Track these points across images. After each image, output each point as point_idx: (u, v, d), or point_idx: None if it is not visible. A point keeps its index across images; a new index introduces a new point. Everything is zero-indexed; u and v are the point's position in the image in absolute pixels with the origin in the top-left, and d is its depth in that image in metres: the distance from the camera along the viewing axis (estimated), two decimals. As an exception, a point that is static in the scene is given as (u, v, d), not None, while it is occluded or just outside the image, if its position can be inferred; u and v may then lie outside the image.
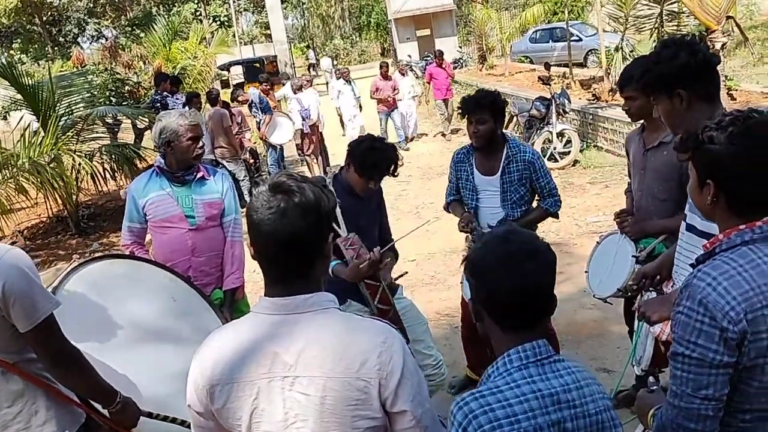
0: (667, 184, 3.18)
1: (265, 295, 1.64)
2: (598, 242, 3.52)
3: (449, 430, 1.57)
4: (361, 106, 13.89)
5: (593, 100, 11.90)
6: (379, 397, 1.56)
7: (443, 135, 14.16)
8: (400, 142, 13.50)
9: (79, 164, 9.24)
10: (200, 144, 3.49)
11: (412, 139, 14.36)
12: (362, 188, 3.41)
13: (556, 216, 4.00)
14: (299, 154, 12.49)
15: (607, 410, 1.57)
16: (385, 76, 13.52)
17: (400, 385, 1.56)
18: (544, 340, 1.60)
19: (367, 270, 3.14)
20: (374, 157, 3.32)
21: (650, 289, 2.76)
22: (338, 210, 3.24)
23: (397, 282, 3.53)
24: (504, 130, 3.89)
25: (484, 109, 3.72)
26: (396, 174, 3.42)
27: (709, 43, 9.06)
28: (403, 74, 14.41)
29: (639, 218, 3.39)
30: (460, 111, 3.93)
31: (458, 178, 4.01)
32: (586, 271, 3.57)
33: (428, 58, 26.78)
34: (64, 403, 2.28)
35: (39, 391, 2.21)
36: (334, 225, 3.21)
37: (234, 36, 37.16)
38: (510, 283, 1.54)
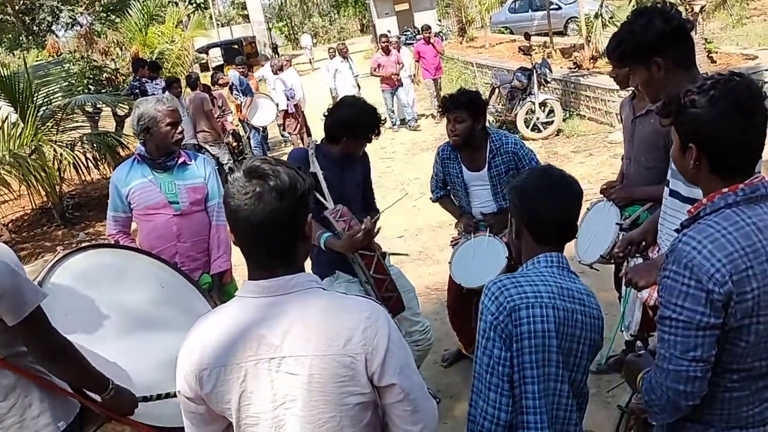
0: (654, 152, 3.18)
1: (248, 279, 1.64)
2: (588, 209, 3.55)
3: (483, 300, 1.85)
4: (359, 86, 13.10)
5: (574, 68, 11.88)
6: (366, 372, 1.58)
7: (433, 117, 13.21)
8: (408, 121, 12.90)
9: (61, 154, 9.14)
10: (179, 129, 3.46)
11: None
12: (357, 150, 3.40)
13: None
14: (282, 135, 12.43)
15: (602, 319, 1.92)
16: (387, 51, 12.57)
17: (386, 359, 1.58)
18: (564, 255, 1.95)
19: (362, 240, 3.11)
20: (360, 117, 3.29)
21: (636, 255, 2.78)
22: (323, 181, 3.22)
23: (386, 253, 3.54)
24: (486, 125, 3.87)
25: (461, 108, 3.70)
26: (379, 132, 3.39)
27: (688, 6, 9.05)
28: (397, 50, 13.17)
29: (626, 185, 3.40)
30: (440, 109, 3.91)
31: (446, 174, 4.02)
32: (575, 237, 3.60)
33: (408, 33, 26.60)
34: (58, 394, 2.27)
35: (31, 384, 2.20)
36: (319, 197, 3.20)
37: (211, 18, 36.70)
38: (551, 207, 1.91)
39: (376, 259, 3.22)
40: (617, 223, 3.25)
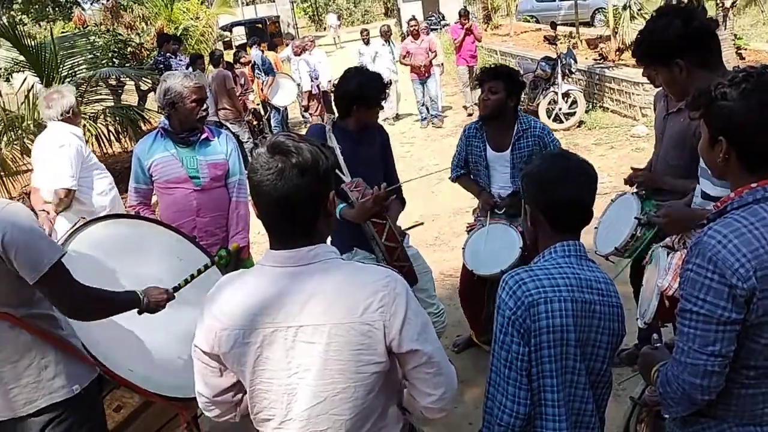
0: (681, 151, 3.14)
1: (270, 249, 1.67)
2: (612, 200, 3.54)
3: (500, 294, 1.83)
4: (396, 71, 12.08)
5: (600, 59, 11.75)
6: (384, 340, 1.60)
7: (465, 108, 12.26)
8: (435, 116, 11.83)
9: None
10: (204, 106, 3.48)
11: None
12: (370, 118, 3.43)
13: None
14: (303, 116, 12.42)
15: (622, 308, 1.88)
16: (416, 35, 11.48)
17: (404, 326, 1.60)
18: (582, 243, 1.92)
19: (371, 206, 3.12)
20: (366, 84, 3.33)
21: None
22: (340, 156, 3.25)
23: (407, 233, 3.55)
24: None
25: (498, 79, 3.70)
26: (386, 97, 3.42)
27: (719, 2, 8.91)
28: (426, 35, 11.95)
29: (652, 172, 3.38)
30: (476, 81, 3.91)
31: (468, 153, 4.01)
32: (595, 228, 3.59)
33: (432, 18, 26.41)
34: (76, 358, 2.31)
35: (48, 345, 2.24)
36: (338, 171, 3.22)
37: (236, -4, 36.62)
38: (567, 191, 1.88)
39: (387, 227, 3.22)
40: (636, 217, 3.22)
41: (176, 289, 2.64)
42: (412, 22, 11.79)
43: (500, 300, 1.82)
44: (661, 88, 3.34)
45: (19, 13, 17.79)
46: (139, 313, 2.47)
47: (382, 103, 3.42)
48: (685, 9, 2.41)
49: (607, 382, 1.93)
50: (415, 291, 2.27)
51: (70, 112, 4.49)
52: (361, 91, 3.31)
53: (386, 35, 12.24)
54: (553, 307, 1.76)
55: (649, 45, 2.47)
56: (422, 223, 3.93)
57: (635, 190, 3.41)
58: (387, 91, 3.43)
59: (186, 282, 2.72)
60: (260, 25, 27.56)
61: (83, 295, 2.22)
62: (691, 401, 1.67)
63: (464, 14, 12.09)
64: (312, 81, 11.40)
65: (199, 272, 2.80)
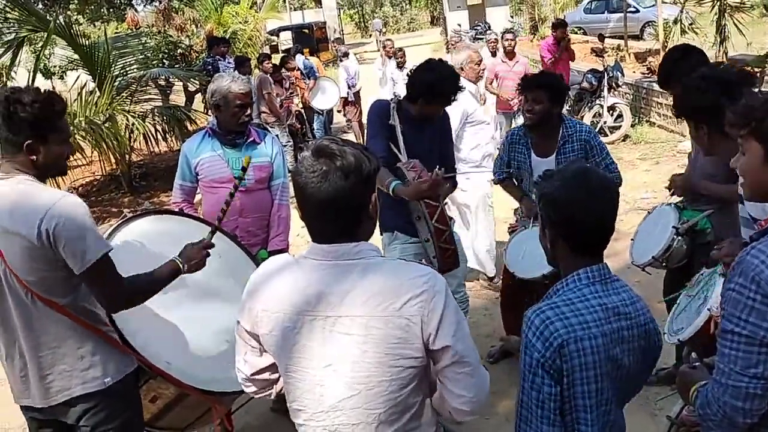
0: (717, 162, 3.11)
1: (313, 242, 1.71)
2: (648, 212, 3.51)
3: (526, 334, 1.76)
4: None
5: (648, 74, 11.55)
6: (421, 335, 1.62)
7: None
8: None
9: (133, 124, 9.43)
10: (247, 111, 3.52)
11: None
12: (431, 115, 3.51)
13: None
14: (346, 121, 12.48)
15: (652, 322, 1.82)
16: (510, 54, 8.67)
17: (441, 323, 1.62)
18: (605, 263, 1.83)
19: (427, 189, 3.16)
20: (440, 82, 3.38)
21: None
22: (399, 136, 3.34)
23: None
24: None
25: (541, 89, 3.67)
26: (455, 99, 3.49)
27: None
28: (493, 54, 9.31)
29: (690, 177, 3.37)
30: (518, 88, 3.90)
31: (511, 158, 3.99)
32: (632, 239, 3.55)
33: (478, 28, 26.30)
34: (113, 351, 2.36)
35: (87, 336, 2.29)
36: (394, 149, 3.33)
37: (284, 1, 37.11)
38: (590, 213, 1.77)
39: (439, 209, 3.25)
40: (674, 227, 3.19)
41: (213, 232, 2.74)
42: (508, 36, 8.96)
43: (526, 340, 1.74)
44: None
45: (75, 13, 18.29)
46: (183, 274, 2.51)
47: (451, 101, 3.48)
48: (726, 81, 2.51)
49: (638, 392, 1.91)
50: (446, 276, 2.33)
51: None
52: (431, 87, 3.37)
53: (454, 45, 9.55)
54: (584, 345, 1.70)
55: (682, 102, 2.65)
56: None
57: (672, 201, 3.39)
58: (460, 92, 3.49)
59: (219, 220, 2.83)
60: (307, 31, 27.82)
61: (123, 292, 2.28)
62: (732, 424, 1.63)
63: (561, 25, 9.76)
64: (349, 89, 11.45)
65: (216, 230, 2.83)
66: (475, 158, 5.03)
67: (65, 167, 2.39)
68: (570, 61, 9.93)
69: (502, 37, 9.08)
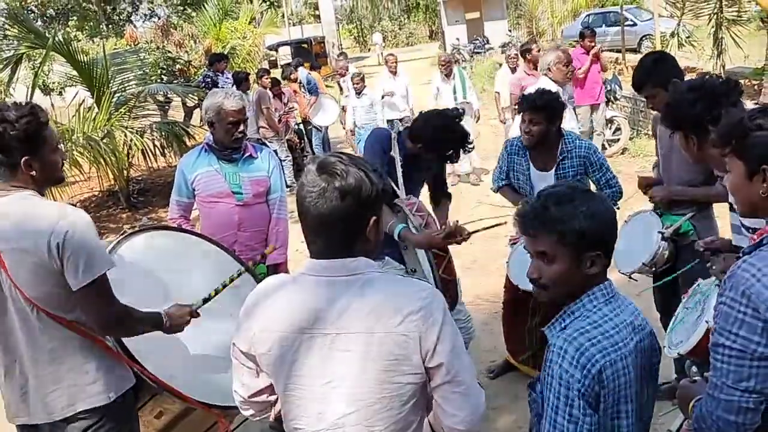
0: (692, 164, 3.18)
1: (310, 258, 1.71)
2: (626, 221, 3.53)
3: (559, 364, 1.66)
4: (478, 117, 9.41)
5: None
6: (420, 352, 1.61)
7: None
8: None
9: (131, 140, 9.45)
10: (240, 128, 3.51)
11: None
12: (427, 160, 3.47)
13: (615, 206, 3.96)
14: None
15: (653, 330, 1.81)
16: (535, 64, 7.50)
17: (439, 339, 1.61)
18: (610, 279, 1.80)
19: (441, 241, 3.13)
20: (444, 138, 3.34)
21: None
22: (399, 169, 3.31)
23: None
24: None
25: (539, 110, 3.66)
26: (458, 158, 3.45)
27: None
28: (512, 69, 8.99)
29: (667, 185, 3.43)
30: (516, 106, 3.91)
31: (510, 169, 3.98)
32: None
33: (476, 42, 26.44)
34: (116, 365, 2.36)
35: (92, 351, 2.29)
36: (392, 183, 3.27)
37: (283, 16, 37.32)
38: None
39: (446, 260, 3.23)
40: (659, 232, 3.22)
41: (206, 300, 2.66)
42: (535, 47, 8.29)
43: (561, 370, 1.65)
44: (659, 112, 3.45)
45: (74, 29, 18.40)
46: (164, 331, 2.48)
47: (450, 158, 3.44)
48: (715, 93, 2.53)
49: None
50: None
51: None
52: (435, 141, 3.32)
53: (445, 66, 9.18)
54: (617, 367, 1.66)
55: (671, 113, 2.65)
56: (504, 222, 3.90)
57: (651, 208, 3.44)
58: (464, 152, 3.44)
59: (216, 292, 2.72)
60: (306, 46, 27.97)
61: (118, 315, 2.27)
62: (727, 438, 1.63)
63: (590, 34, 8.92)
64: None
65: (232, 280, 2.80)
66: None
67: (62, 176, 2.39)
68: (602, 72, 9.13)
69: (528, 51, 8.27)
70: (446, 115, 3.44)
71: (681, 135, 2.62)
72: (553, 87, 4.91)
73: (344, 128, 10.50)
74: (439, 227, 3.32)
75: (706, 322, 2.30)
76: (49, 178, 2.29)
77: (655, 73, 3.32)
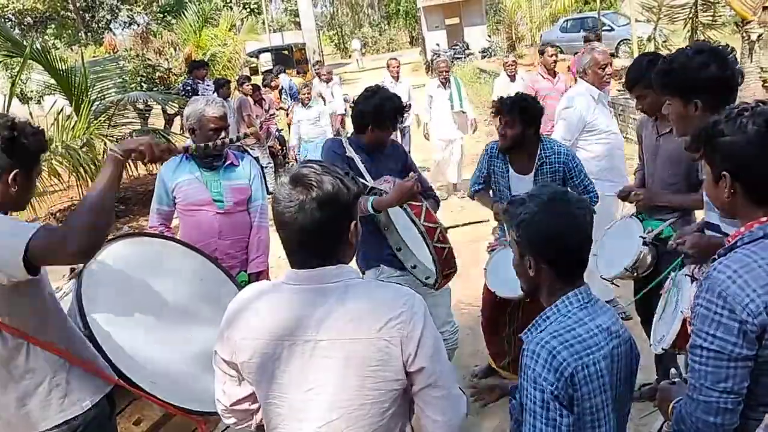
0: (677, 168, 3.23)
1: (291, 268, 1.70)
2: (606, 228, 3.55)
3: (532, 368, 1.69)
4: (475, 128, 9.28)
5: (624, 90, 11.72)
6: (401, 356, 1.61)
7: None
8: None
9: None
10: (221, 135, 3.49)
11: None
12: (382, 141, 3.53)
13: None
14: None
15: (631, 335, 1.84)
16: (551, 70, 7.64)
17: (420, 344, 1.62)
18: (587, 284, 1.83)
19: (412, 185, 3.10)
20: (382, 105, 3.42)
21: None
22: (360, 164, 3.36)
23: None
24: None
25: (514, 113, 3.67)
26: (402, 120, 3.49)
27: (744, 34, 8.89)
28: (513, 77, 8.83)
29: (648, 191, 3.43)
30: (493, 110, 3.91)
31: (490, 172, 3.99)
32: (594, 254, 3.57)
33: (456, 47, 26.55)
34: (88, 373, 2.31)
35: (60, 364, 2.24)
36: (359, 179, 3.25)
37: (263, 23, 37.31)
38: (574, 236, 1.76)
39: (424, 207, 3.17)
40: (641, 236, 3.25)
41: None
42: (551, 51, 7.85)
43: (534, 374, 1.68)
44: (645, 116, 3.45)
45: (53, 37, 18.24)
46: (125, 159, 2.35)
47: (397, 124, 3.51)
48: (723, 53, 2.44)
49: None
50: (433, 307, 2.29)
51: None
52: (376, 111, 3.41)
53: (443, 74, 8.75)
54: (590, 371, 1.68)
55: (677, 77, 2.49)
56: (487, 220, 3.89)
57: (632, 213, 3.48)
58: (405, 113, 3.51)
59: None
60: (286, 52, 27.97)
61: (72, 234, 2.02)
62: (706, 439, 1.65)
63: (595, 37, 8.70)
64: (345, 102, 11.46)
65: None
66: (591, 169, 4.36)
67: (27, 203, 2.37)
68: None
69: (542, 54, 7.93)
70: (374, 91, 3.54)
71: (679, 102, 2.49)
72: (594, 91, 4.82)
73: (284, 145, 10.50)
74: None
75: (681, 312, 2.33)
76: (20, 200, 2.25)
77: (648, 73, 3.33)
